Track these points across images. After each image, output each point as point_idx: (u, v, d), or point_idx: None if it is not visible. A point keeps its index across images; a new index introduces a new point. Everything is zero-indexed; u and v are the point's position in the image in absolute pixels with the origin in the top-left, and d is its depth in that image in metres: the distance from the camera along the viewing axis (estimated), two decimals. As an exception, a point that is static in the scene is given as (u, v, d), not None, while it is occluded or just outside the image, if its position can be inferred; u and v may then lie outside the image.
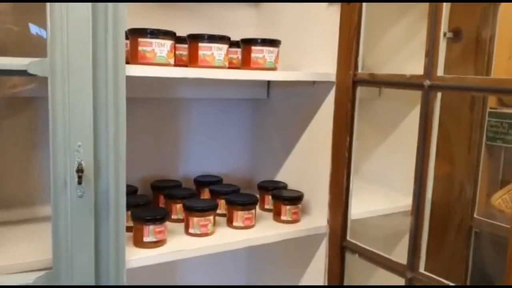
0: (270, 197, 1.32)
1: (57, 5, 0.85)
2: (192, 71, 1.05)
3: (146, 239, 1.06)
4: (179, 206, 1.21)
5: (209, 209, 1.15)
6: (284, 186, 1.38)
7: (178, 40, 1.22)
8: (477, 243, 1.41)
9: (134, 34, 1.06)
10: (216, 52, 1.14)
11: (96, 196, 0.93)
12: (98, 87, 0.91)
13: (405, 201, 1.36)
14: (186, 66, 1.18)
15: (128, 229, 1.01)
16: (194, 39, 1.14)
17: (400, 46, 1.50)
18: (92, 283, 0.94)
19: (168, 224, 1.13)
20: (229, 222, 1.22)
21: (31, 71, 0.86)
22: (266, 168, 1.53)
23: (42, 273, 0.90)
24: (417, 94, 1.01)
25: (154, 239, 1.06)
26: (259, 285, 1.60)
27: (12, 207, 1.22)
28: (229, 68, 1.27)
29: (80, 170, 0.89)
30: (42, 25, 1.14)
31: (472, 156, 1.39)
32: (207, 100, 1.47)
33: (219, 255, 1.15)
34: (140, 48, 1.06)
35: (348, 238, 1.21)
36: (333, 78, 1.21)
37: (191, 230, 1.14)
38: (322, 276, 1.28)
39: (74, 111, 0.89)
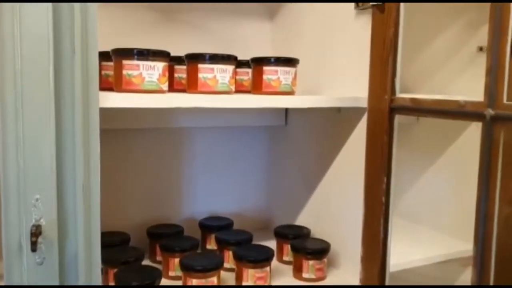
0: (289, 246, 1.10)
1: (7, 14, 0.66)
2: (187, 99, 0.84)
3: (131, 309, 0.84)
4: (176, 262, 0.99)
5: (212, 268, 0.93)
6: (306, 234, 1.15)
7: (178, 60, 1.02)
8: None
9: (118, 55, 0.87)
10: (220, 74, 0.93)
11: (61, 262, 0.73)
12: (63, 123, 0.71)
13: (458, 246, 1.14)
14: (184, 91, 0.97)
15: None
16: (193, 60, 0.94)
17: (440, 61, 1.27)
18: None
19: (163, 281, 0.92)
20: (238, 281, 0.99)
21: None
22: (284, 208, 1.31)
23: None
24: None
25: (142, 310, 0.85)
26: None
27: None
28: (238, 91, 1.08)
29: (36, 233, 0.68)
30: None
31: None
32: (214, 129, 1.27)
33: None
34: (125, 72, 0.86)
35: (386, 300, 0.97)
36: (364, 104, 0.99)
37: (190, 294, 0.93)
38: None
39: (30, 155, 0.69)
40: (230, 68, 0.95)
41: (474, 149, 0.81)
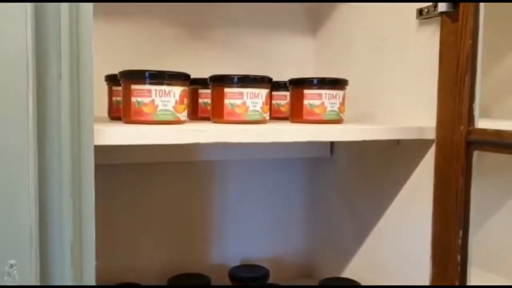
0: (336, 306, 0.90)
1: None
2: (207, 133, 0.67)
3: None
4: (198, 328, 0.82)
5: None
6: (356, 290, 0.95)
7: (203, 83, 0.86)
8: None
9: (126, 78, 0.72)
10: (250, 100, 0.76)
11: None
12: (46, 167, 0.55)
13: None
14: (209, 119, 0.81)
15: None
16: (219, 83, 0.77)
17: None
18: None
19: None
20: None
21: None
22: (329, 255, 1.11)
23: None
24: None
25: None
26: None
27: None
28: (274, 118, 0.91)
29: (4, 312, 0.52)
30: None
31: None
32: (246, 161, 1.09)
33: None
34: (133, 99, 0.70)
35: None
36: (430, 135, 0.79)
37: None
38: None
39: (2, 211, 0.53)
40: (263, 92, 0.78)
41: None
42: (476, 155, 0.72)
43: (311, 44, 1.14)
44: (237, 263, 1.08)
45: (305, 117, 0.82)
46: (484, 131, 0.71)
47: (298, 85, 0.83)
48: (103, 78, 0.84)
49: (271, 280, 1.01)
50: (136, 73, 0.71)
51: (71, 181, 0.56)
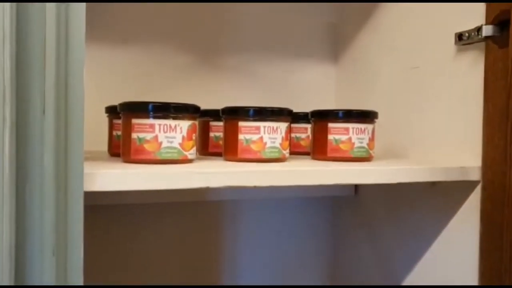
0: None
1: None
2: (216, 176, 0.57)
3: None
4: None
5: None
6: None
7: (215, 115, 0.76)
8: None
9: (127, 112, 0.63)
10: (268, 136, 0.67)
11: None
12: (25, 222, 0.46)
13: None
14: (220, 155, 0.72)
15: None
16: (232, 116, 0.68)
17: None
18: None
19: None
20: None
21: None
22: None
23: None
24: None
25: None
26: None
27: None
28: (294, 153, 0.81)
29: None
30: None
31: None
32: (263, 201, 0.99)
33: None
34: (134, 135, 0.61)
35: None
36: (475, 176, 0.69)
37: None
38: None
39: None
40: (282, 126, 0.68)
41: None
42: (533, 201, 0.62)
43: (332, 71, 1.05)
44: (251, 314, 0.97)
45: (330, 154, 0.73)
46: (543, 174, 0.60)
47: (322, 117, 0.74)
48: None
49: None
50: (137, 105, 0.62)
51: (55, 237, 0.47)
